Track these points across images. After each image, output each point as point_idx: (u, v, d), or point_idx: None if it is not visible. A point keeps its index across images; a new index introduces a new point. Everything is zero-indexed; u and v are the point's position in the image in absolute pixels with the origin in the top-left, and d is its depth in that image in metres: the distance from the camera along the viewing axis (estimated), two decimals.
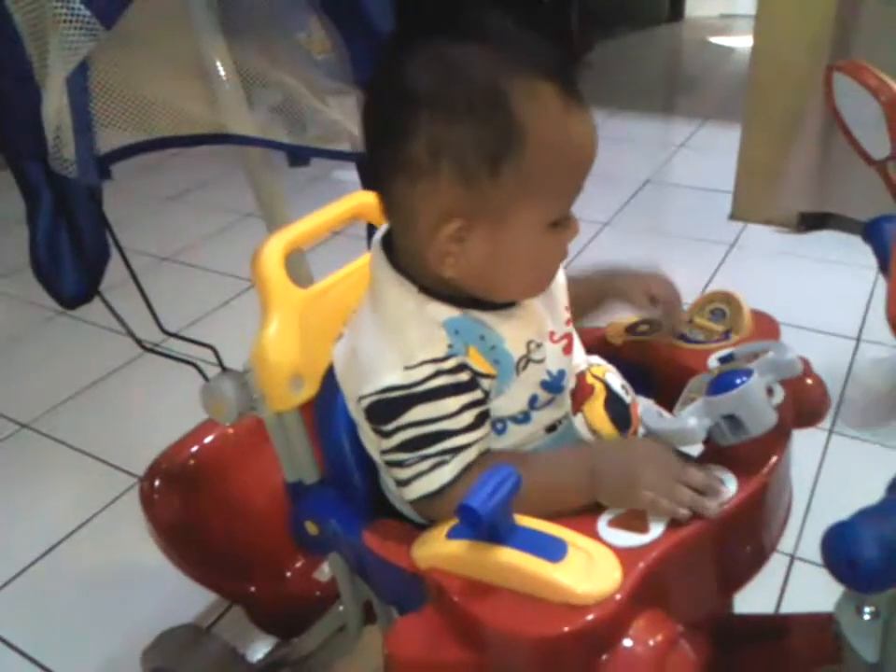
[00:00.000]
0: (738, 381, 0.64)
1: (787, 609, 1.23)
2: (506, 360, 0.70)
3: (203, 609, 1.29)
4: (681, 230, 2.48)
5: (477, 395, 0.68)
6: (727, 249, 2.35)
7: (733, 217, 2.52)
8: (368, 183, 1.06)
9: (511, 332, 0.71)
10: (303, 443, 0.83)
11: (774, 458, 0.68)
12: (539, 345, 0.72)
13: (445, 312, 0.68)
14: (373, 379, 0.67)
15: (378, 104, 0.66)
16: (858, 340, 1.90)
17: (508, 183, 0.62)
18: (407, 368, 0.66)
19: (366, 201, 0.91)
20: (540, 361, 0.72)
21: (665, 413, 0.74)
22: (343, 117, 0.99)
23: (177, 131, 0.80)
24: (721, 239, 2.41)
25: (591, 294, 0.87)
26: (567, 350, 0.77)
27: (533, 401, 0.72)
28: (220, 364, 0.82)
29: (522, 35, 0.63)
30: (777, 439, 0.68)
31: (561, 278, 0.80)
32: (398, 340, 0.68)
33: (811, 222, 2.40)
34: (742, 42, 4.29)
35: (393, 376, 0.66)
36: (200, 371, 0.81)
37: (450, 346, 0.67)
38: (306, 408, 0.82)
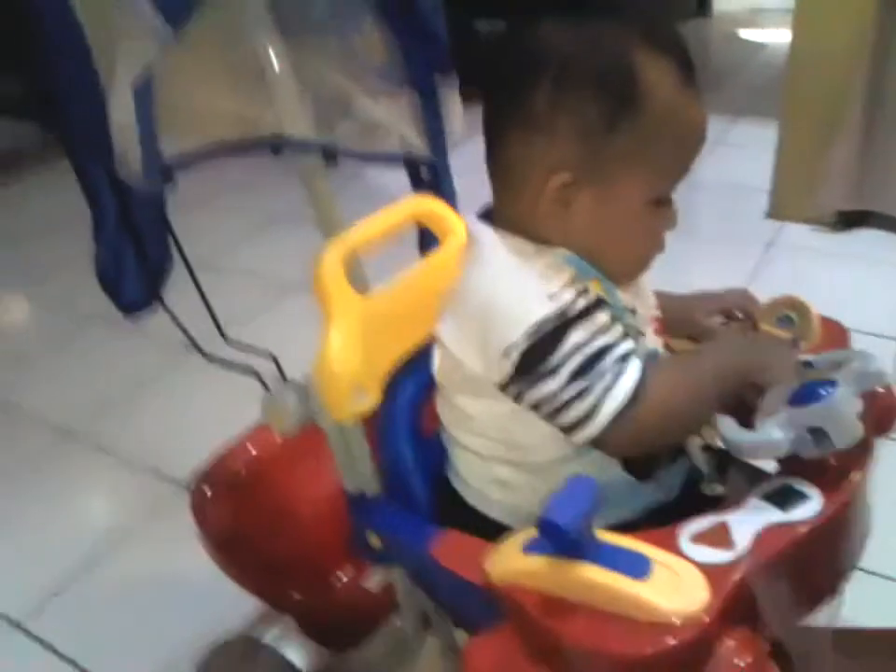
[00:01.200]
0: (823, 392, 0.62)
1: (845, 620, 1.21)
2: (619, 306, 0.70)
3: (251, 618, 1.28)
4: (717, 230, 2.44)
5: (610, 311, 0.69)
6: (764, 249, 2.32)
7: (769, 215, 2.48)
8: (417, 184, 1.04)
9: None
10: (365, 455, 0.82)
11: (858, 472, 0.65)
12: (634, 313, 0.73)
13: (561, 250, 0.69)
14: (520, 320, 0.65)
15: (505, 61, 0.70)
16: None
17: (621, 144, 0.66)
18: (551, 296, 0.66)
19: (424, 205, 0.89)
20: (642, 334, 0.74)
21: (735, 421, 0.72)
22: (395, 118, 0.98)
23: (240, 135, 0.79)
24: (757, 239, 2.37)
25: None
26: (658, 331, 0.78)
27: None
28: (281, 373, 0.80)
29: (652, 17, 0.67)
30: (861, 452, 0.66)
31: None
32: (529, 277, 0.67)
33: (850, 220, 2.36)
34: (773, 36, 4.23)
35: (541, 308, 0.65)
36: (261, 380, 0.80)
37: (577, 273, 0.68)
38: (366, 418, 0.81)
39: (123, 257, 0.73)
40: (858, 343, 0.86)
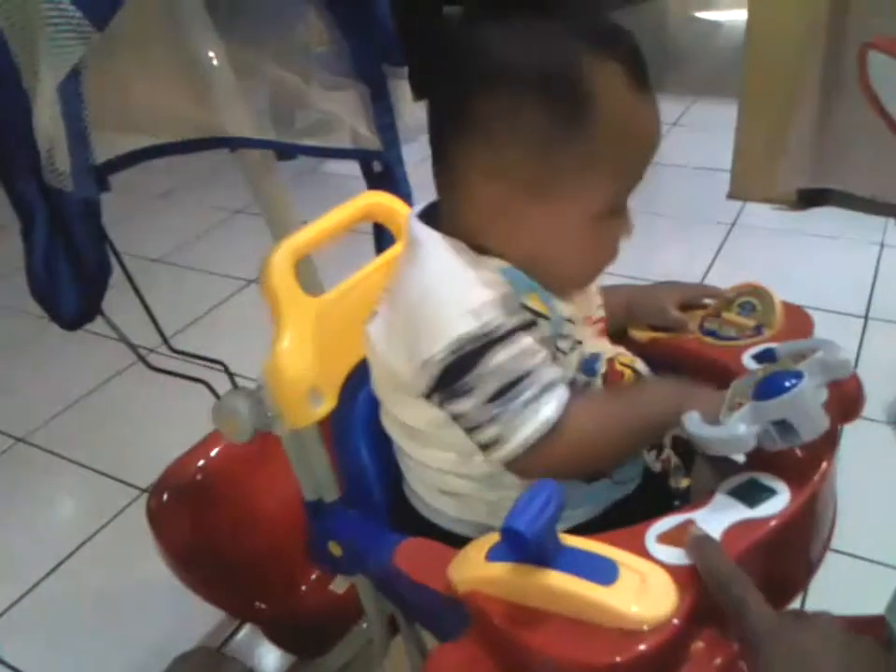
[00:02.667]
0: (788, 384, 0.61)
1: (813, 597, 1.21)
2: (558, 317, 0.68)
3: (214, 627, 1.26)
4: (680, 211, 2.44)
5: (543, 332, 0.66)
6: (727, 229, 2.32)
7: (731, 196, 2.48)
8: (371, 179, 1.02)
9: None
10: (322, 460, 0.79)
11: (824, 464, 0.64)
12: (574, 323, 0.71)
13: (499, 261, 0.66)
14: (442, 334, 0.63)
15: (442, 61, 0.66)
16: (866, 318, 1.87)
17: (566, 154, 0.62)
18: (474, 313, 0.63)
19: (375, 201, 0.87)
20: (579, 342, 0.71)
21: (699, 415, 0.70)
22: (343, 111, 0.95)
23: (175, 136, 0.76)
24: (720, 219, 2.37)
25: (620, 304, 0.84)
26: (602, 333, 0.76)
27: (573, 384, 0.70)
28: (231, 380, 0.78)
29: (600, 18, 0.64)
30: (826, 442, 0.64)
31: None
32: (457, 288, 0.64)
33: (811, 199, 2.37)
34: (729, 16, 4.24)
35: (463, 324, 0.62)
36: (210, 388, 0.77)
37: (509, 288, 0.65)
38: (322, 422, 0.79)
39: (57, 268, 0.70)
40: (821, 320, 0.86)
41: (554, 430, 0.63)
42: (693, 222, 2.39)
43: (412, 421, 0.72)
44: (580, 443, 0.65)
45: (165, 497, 1.04)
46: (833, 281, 2.00)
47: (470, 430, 0.65)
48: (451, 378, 0.64)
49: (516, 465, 0.65)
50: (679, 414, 0.65)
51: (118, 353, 1.88)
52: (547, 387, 0.64)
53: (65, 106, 0.63)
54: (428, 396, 0.67)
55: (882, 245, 2.16)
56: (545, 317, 0.67)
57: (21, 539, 1.52)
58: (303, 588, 1.02)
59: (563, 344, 0.69)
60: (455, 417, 0.66)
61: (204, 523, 1.02)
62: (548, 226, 0.66)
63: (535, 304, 0.66)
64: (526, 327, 0.65)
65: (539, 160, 0.62)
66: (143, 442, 1.67)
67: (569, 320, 0.70)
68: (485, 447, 0.65)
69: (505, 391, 0.63)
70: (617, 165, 0.64)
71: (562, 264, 0.68)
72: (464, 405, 0.64)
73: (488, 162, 0.63)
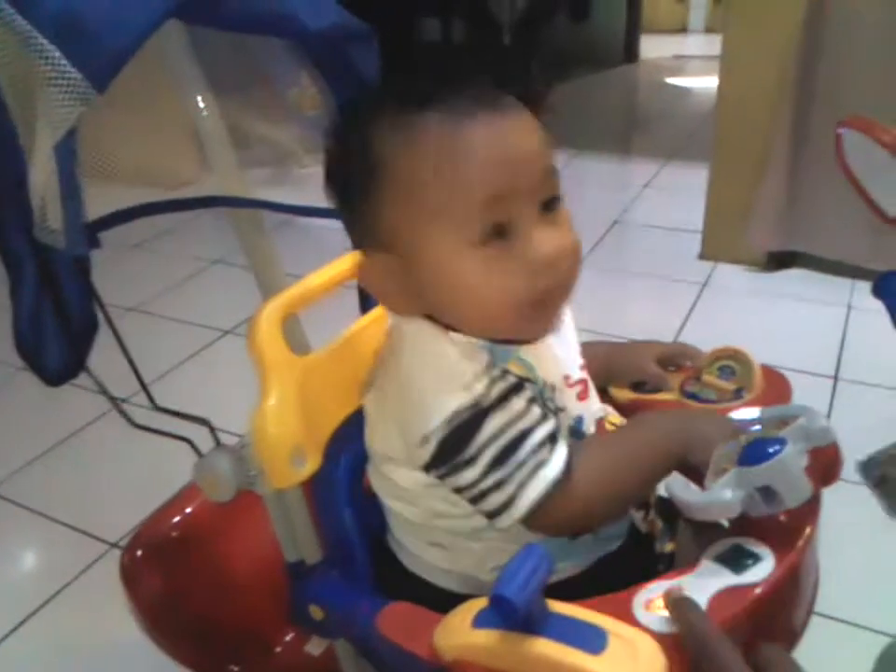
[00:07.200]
0: (771, 450, 0.61)
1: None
2: (540, 383, 0.69)
3: None
4: (652, 270, 2.48)
5: (531, 393, 0.67)
6: (699, 289, 2.36)
7: (702, 256, 2.53)
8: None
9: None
10: (305, 521, 0.79)
11: (807, 529, 0.65)
12: (553, 389, 0.71)
13: (474, 340, 0.67)
14: (436, 409, 0.64)
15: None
16: (835, 378, 1.90)
17: (383, 209, 0.65)
18: (464, 386, 0.64)
19: None
20: (561, 409, 0.71)
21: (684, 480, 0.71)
22: None
23: (168, 194, 0.76)
24: (692, 279, 2.41)
25: (598, 361, 0.84)
26: (583, 396, 0.75)
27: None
28: (215, 438, 0.77)
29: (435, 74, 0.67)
30: (809, 508, 0.65)
31: (569, 319, 0.78)
32: (444, 366, 0.66)
33: (780, 261, 2.42)
34: (697, 82, 4.38)
35: (455, 398, 0.64)
36: (194, 447, 0.76)
37: (490, 359, 0.66)
38: (305, 482, 0.78)
39: (44, 324, 0.69)
40: (792, 381, 0.87)
41: (562, 484, 0.64)
42: (665, 282, 2.43)
43: (403, 483, 0.73)
44: (590, 491, 0.66)
45: (139, 553, 1.02)
46: (803, 341, 2.03)
47: (476, 500, 0.66)
48: (450, 452, 0.64)
49: (528, 525, 0.66)
50: (687, 440, 0.67)
51: (89, 403, 1.85)
52: (546, 444, 0.64)
53: (59, 164, 0.63)
54: (427, 470, 0.67)
55: (850, 307, 2.21)
56: (529, 381, 0.68)
57: None
58: (278, 649, 1.00)
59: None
60: (459, 490, 0.66)
61: (179, 581, 0.99)
62: (434, 277, 0.65)
63: (517, 370, 0.67)
64: (516, 389, 0.66)
65: (372, 221, 0.66)
66: (112, 495, 1.64)
67: (550, 386, 0.71)
68: (493, 514, 0.65)
69: (506, 455, 0.63)
70: (441, 197, 0.62)
71: (476, 312, 0.65)
72: (466, 477, 0.64)
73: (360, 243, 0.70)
